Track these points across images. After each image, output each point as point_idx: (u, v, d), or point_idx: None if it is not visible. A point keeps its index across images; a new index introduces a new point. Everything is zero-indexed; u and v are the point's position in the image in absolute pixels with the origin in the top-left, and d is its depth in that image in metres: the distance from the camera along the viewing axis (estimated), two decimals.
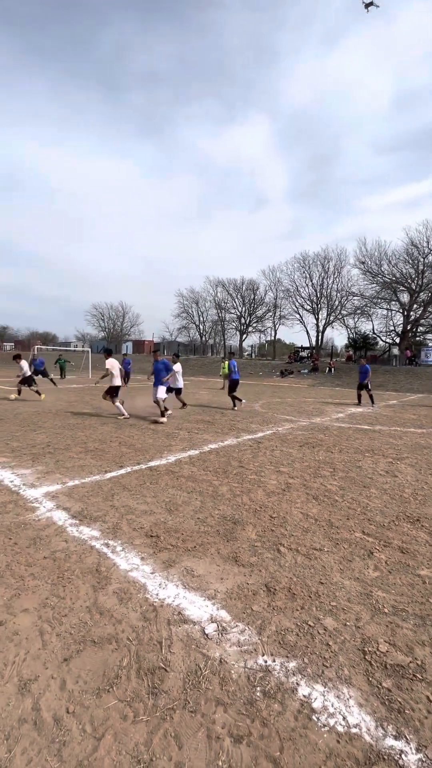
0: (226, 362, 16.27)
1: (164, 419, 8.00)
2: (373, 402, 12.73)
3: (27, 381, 11.62)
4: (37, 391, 11.72)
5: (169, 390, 8.84)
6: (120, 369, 8.82)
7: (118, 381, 8.58)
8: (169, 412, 8.61)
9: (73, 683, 1.59)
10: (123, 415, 8.36)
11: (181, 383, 10.10)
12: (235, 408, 10.62)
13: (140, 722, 1.43)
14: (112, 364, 8.62)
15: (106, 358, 8.72)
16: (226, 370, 16.03)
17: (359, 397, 13.00)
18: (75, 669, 1.66)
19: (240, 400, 10.86)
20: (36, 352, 21.93)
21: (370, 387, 12.64)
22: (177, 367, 9.69)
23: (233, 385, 10.84)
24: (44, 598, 2.14)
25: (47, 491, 3.80)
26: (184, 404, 10.35)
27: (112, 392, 8.54)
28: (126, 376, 14.17)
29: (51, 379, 16.16)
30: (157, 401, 8.24)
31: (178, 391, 10.01)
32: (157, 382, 8.43)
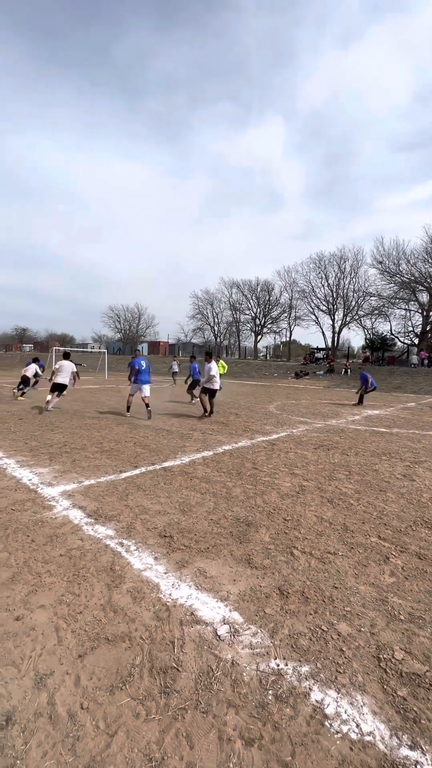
0: (222, 362, 16.40)
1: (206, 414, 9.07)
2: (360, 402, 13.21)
3: (25, 382, 12.21)
4: (22, 393, 12.01)
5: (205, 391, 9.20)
6: (73, 372, 9.82)
7: (59, 379, 9.56)
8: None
9: (87, 679, 1.62)
10: (50, 408, 9.22)
11: (217, 384, 9.24)
12: (192, 402, 11.68)
13: (152, 721, 1.44)
14: (62, 364, 9.72)
15: (63, 360, 9.91)
16: (222, 371, 16.20)
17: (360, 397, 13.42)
18: (89, 665, 1.69)
19: (193, 398, 11.87)
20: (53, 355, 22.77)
21: (366, 390, 13.28)
22: (213, 367, 9.26)
23: (192, 385, 12.14)
24: (60, 594, 2.18)
25: (64, 490, 3.87)
26: (194, 398, 11.61)
27: (56, 389, 9.50)
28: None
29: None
30: (201, 399, 9.13)
31: (212, 393, 8.87)
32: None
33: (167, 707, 1.50)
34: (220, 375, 16.33)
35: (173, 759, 1.31)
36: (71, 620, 1.97)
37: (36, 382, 13.06)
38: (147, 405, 8.60)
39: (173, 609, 2.08)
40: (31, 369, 12.47)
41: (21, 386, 12.01)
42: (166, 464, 4.92)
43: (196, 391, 11.05)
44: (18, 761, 1.29)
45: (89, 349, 45.52)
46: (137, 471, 4.59)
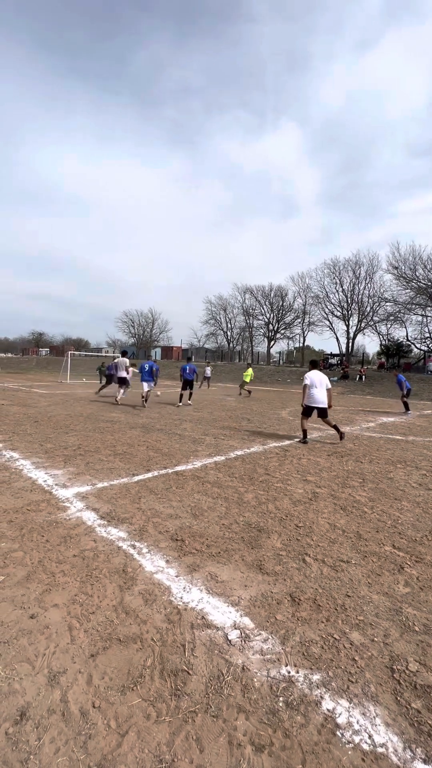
0: (250, 369, 16.54)
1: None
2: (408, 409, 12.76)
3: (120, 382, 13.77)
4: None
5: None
6: (126, 366, 12.44)
7: (121, 374, 12.15)
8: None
9: (99, 679, 1.64)
10: (118, 400, 11.74)
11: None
12: (180, 404, 12.13)
13: (163, 722, 1.45)
14: (118, 362, 12.55)
15: (120, 357, 12.67)
16: (247, 379, 16.35)
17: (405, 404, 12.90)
18: (101, 665, 1.71)
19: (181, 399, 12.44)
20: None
21: (404, 395, 12.81)
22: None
23: (185, 384, 12.46)
24: (73, 594, 2.21)
25: (78, 492, 3.93)
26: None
27: (121, 382, 12.18)
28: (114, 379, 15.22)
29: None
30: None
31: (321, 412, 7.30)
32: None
33: (178, 710, 1.51)
34: (246, 383, 16.38)
35: (183, 761, 1.31)
36: (84, 620, 2.00)
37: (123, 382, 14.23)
38: (144, 398, 11.36)
39: (184, 612, 2.09)
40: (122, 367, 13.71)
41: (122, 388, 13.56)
42: (178, 468, 4.95)
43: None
44: (32, 756, 1.31)
45: (104, 354, 46.15)
46: (150, 474, 4.62)
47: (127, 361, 12.51)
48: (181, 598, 2.21)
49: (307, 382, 7.16)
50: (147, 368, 11.46)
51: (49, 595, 2.21)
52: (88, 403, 12.15)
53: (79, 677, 1.64)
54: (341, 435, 7.27)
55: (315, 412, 7.13)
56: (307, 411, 7.15)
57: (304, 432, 7.19)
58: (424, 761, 1.33)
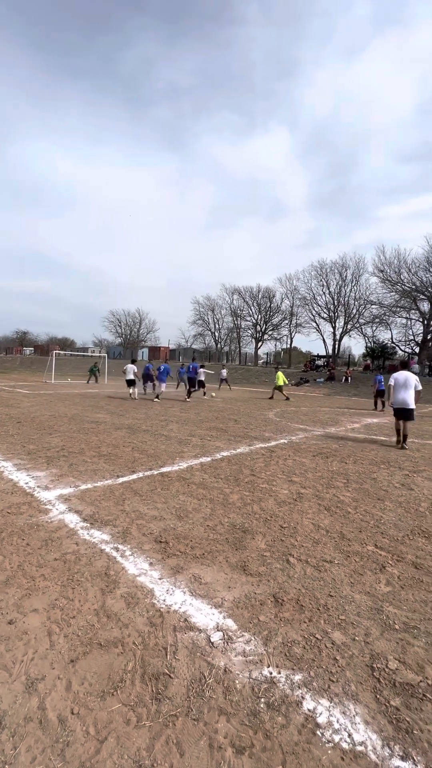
0: (280, 373, 16.90)
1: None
2: (384, 407, 14.16)
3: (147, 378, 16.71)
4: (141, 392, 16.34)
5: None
6: (134, 371, 14.39)
7: (129, 377, 14.12)
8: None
9: (79, 685, 1.61)
10: (136, 397, 14.10)
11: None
12: (188, 400, 14.10)
13: (143, 727, 1.43)
14: (127, 367, 14.35)
15: (129, 364, 14.51)
16: (280, 382, 16.64)
17: (375, 403, 14.81)
18: (81, 671, 1.68)
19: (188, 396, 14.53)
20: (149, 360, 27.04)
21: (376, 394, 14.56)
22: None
23: (191, 383, 14.75)
24: (54, 599, 2.17)
25: (60, 494, 3.86)
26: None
27: (130, 384, 14.24)
28: (149, 379, 17.29)
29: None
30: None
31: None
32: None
33: (158, 714, 1.49)
34: (279, 386, 17.15)
35: (163, 766, 1.30)
36: (64, 625, 1.96)
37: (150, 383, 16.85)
38: (157, 395, 14.09)
39: (167, 615, 2.07)
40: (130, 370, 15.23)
41: (145, 386, 16.77)
42: (163, 469, 4.92)
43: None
44: (7, 766, 1.28)
45: (89, 353, 45.60)
46: (134, 476, 4.58)
47: (134, 367, 14.58)
48: (164, 600, 2.19)
49: (390, 382, 7.26)
50: (162, 369, 14.09)
51: (29, 599, 2.16)
52: (73, 403, 11.98)
53: (58, 683, 1.61)
54: (401, 444, 7.18)
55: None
56: (397, 413, 7.20)
57: (398, 433, 7.22)
58: (402, 758, 1.35)
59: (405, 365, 7.76)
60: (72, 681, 1.62)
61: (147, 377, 16.74)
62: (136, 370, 14.52)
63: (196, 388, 14.87)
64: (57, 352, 30.86)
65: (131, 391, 14.19)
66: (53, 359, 25.38)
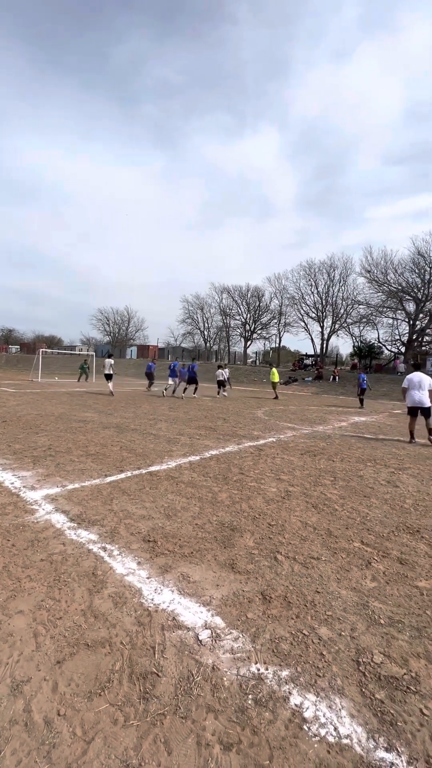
0: (275, 370, 17.19)
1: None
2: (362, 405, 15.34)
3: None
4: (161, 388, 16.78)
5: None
6: (111, 364, 15.42)
7: (107, 371, 15.13)
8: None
9: (65, 686, 1.59)
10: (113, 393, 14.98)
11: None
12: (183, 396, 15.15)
13: (130, 727, 1.43)
14: (105, 362, 15.32)
15: (107, 358, 15.49)
16: (276, 378, 16.89)
17: (361, 401, 15.56)
18: (68, 672, 1.67)
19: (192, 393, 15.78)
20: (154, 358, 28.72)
21: (359, 393, 15.30)
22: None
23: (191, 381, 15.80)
24: (40, 600, 2.15)
25: (47, 494, 3.82)
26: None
27: (108, 378, 15.22)
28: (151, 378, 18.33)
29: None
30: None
31: None
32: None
33: (146, 713, 1.49)
34: (274, 383, 17.57)
35: (150, 765, 1.29)
36: (50, 626, 1.94)
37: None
38: (165, 389, 15.83)
39: (155, 614, 2.07)
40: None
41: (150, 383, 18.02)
42: (152, 468, 4.90)
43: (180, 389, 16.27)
44: None
45: (77, 352, 45.03)
46: (122, 475, 4.55)
47: (112, 360, 15.59)
48: (152, 599, 2.19)
49: (405, 384, 7.62)
50: (172, 367, 15.91)
51: (14, 601, 2.13)
52: (60, 402, 11.83)
53: (44, 685, 1.59)
54: (413, 439, 7.65)
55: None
56: (410, 412, 7.55)
57: (411, 433, 7.62)
58: (386, 749, 1.38)
59: (418, 366, 8.09)
60: (58, 682, 1.61)
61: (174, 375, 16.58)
62: (112, 363, 15.45)
63: (196, 386, 15.96)
64: (44, 350, 30.38)
65: (110, 387, 15.17)
66: (40, 357, 25.00)
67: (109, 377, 15.28)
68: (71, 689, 1.58)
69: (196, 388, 15.79)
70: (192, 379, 15.66)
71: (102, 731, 1.41)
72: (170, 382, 15.79)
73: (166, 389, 15.83)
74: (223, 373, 17.30)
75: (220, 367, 18.04)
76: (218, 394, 16.83)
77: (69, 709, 1.49)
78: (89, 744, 1.36)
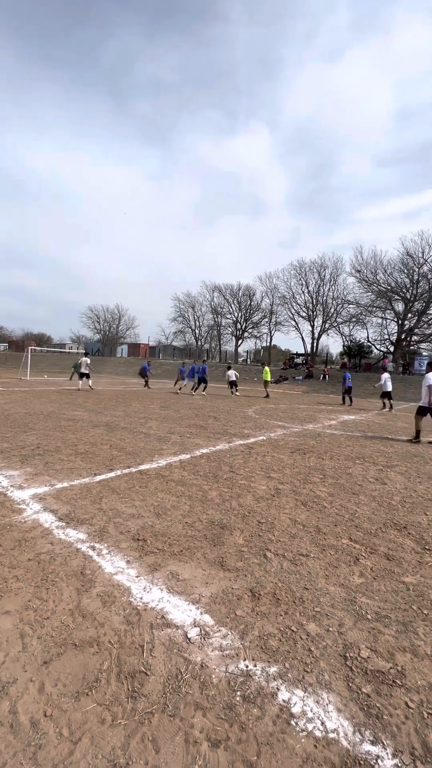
0: (267, 368, 17.44)
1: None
2: (351, 402, 16.08)
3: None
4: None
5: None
6: (87, 363, 16.15)
7: (83, 370, 16.09)
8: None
9: (52, 686, 1.58)
10: (85, 388, 15.88)
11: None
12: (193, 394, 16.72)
13: (118, 726, 1.42)
14: (83, 360, 16.16)
15: (84, 357, 16.37)
16: (268, 377, 17.09)
17: (343, 398, 16.16)
18: (54, 672, 1.65)
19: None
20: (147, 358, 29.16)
21: (344, 391, 15.90)
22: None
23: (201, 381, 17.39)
24: (27, 600, 2.12)
25: (35, 493, 3.77)
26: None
27: (82, 376, 16.10)
28: (145, 376, 19.58)
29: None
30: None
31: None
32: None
33: (134, 712, 1.48)
34: (266, 382, 17.82)
35: (138, 764, 1.29)
36: (38, 626, 1.92)
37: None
38: (183, 388, 17.90)
39: (144, 613, 2.06)
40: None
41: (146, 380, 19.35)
42: (142, 467, 4.87)
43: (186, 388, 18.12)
44: None
45: (67, 350, 44.52)
46: (112, 474, 4.52)
47: (88, 359, 16.45)
48: (141, 598, 2.18)
49: (427, 382, 7.47)
50: (193, 369, 17.79)
51: (0, 601, 2.10)
52: (50, 401, 11.70)
53: (30, 686, 1.57)
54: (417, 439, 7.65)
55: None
56: (421, 411, 7.53)
57: (417, 432, 7.59)
58: (372, 742, 1.39)
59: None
60: (45, 683, 1.59)
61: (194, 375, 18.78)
62: (89, 362, 16.32)
63: (205, 385, 17.59)
64: (33, 348, 29.99)
65: (82, 384, 16.14)
66: (29, 355, 24.67)
67: (84, 375, 16.18)
68: (58, 689, 1.57)
69: (205, 387, 17.43)
70: (202, 379, 17.26)
71: (89, 731, 1.40)
72: (185, 381, 17.92)
73: (194, 389, 17.66)
74: (235, 374, 18.01)
75: (229, 368, 19.05)
76: (232, 393, 17.82)
77: (56, 710, 1.47)
78: (76, 744, 1.35)
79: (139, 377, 19.58)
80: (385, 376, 14.07)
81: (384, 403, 14.24)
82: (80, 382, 16.30)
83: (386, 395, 14.07)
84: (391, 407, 14.12)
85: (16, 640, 1.82)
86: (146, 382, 19.46)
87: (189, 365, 19.21)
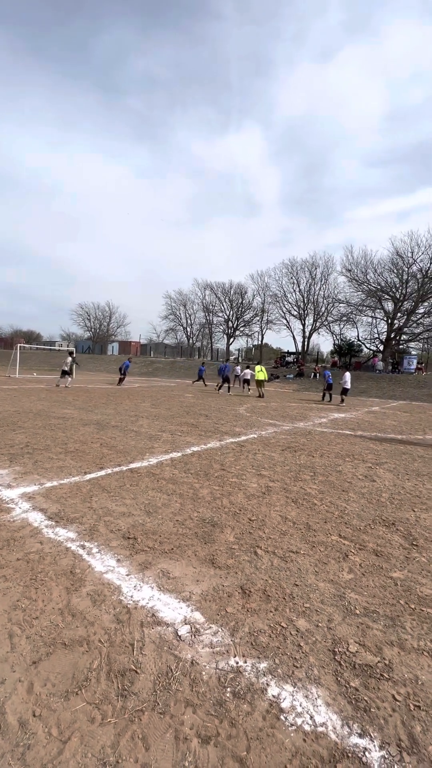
0: (259, 366, 17.55)
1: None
2: (330, 399, 16.89)
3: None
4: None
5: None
6: (67, 361, 16.54)
7: (65, 368, 16.42)
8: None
9: (41, 686, 1.57)
10: (67, 386, 16.29)
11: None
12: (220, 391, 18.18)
13: (108, 724, 1.42)
14: (67, 360, 16.64)
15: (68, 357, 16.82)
16: (262, 376, 17.23)
17: (323, 395, 17.12)
18: (44, 672, 1.64)
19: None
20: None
21: (325, 388, 16.83)
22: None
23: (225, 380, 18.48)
24: (15, 600, 2.10)
25: (24, 492, 3.73)
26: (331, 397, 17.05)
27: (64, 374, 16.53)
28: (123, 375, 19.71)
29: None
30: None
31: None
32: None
33: (124, 710, 1.48)
34: (260, 381, 17.76)
35: (128, 761, 1.29)
36: (26, 626, 1.90)
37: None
38: (218, 386, 19.07)
39: (134, 611, 2.05)
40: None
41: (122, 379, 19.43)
42: (132, 465, 4.85)
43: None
44: None
45: (57, 347, 43.96)
46: (102, 472, 4.49)
47: (69, 358, 16.88)
48: (132, 596, 2.17)
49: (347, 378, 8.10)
50: (222, 368, 18.77)
51: None
52: (39, 399, 11.56)
53: (19, 686, 1.56)
54: None
55: None
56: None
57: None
58: (360, 735, 1.42)
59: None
60: (34, 683, 1.58)
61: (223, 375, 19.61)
62: (69, 361, 16.78)
63: (230, 384, 18.75)
64: (22, 345, 29.56)
65: (60, 381, 16.75)
66: (18, 352, 24.33)
67: (66, 373, 16.58)
68: (47, 689, 1.55)
69: (229, 387, 18.57)
70: (225, 378, 18.54)
71: (78, 730, 1.39)
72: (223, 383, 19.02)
73: (229, 389, 18.69)
74: (251, 373, 18.71)
75: (248, 367, 20.14)
76: (245, 390, 18.77)
77: (45, 710, 1.46)
78: (65, 744, 1.34)
79: (120, 374, 19.88)
80: (348, 375, 16.02)
81: (342, 399, 16.03)
82: (61, 379, 16.73)
83: (344, 391, 15.92)
84: (342, 401, 16.02)
85: (4, 641, 1.80)
86: (120, 380, 19.68)
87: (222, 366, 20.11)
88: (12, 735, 1.36)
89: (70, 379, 16.70)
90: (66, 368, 16.49)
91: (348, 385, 15.88)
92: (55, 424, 7.31)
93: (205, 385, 22.39)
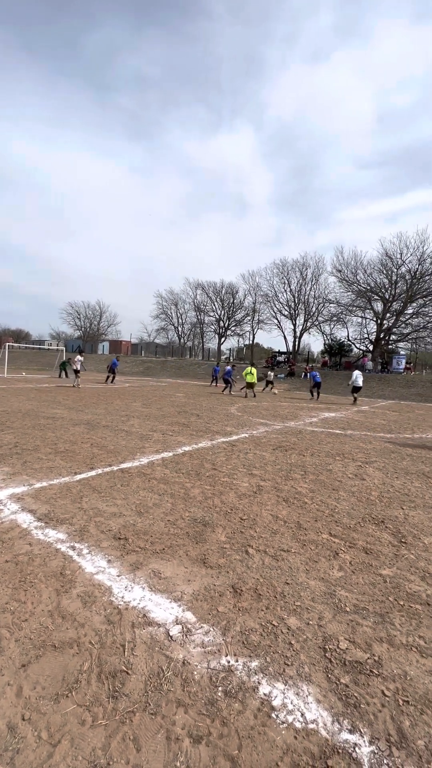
0: (250, 368, 17.56)
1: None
2: (318, 397, 17.60)
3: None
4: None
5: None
6: (73, 359, 16.71)
7: (77, 366, 16.64)
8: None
9: (31, 689, 1.55)
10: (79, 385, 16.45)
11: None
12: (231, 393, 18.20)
13: (98, 726, 1.41)
14: (78, 358, 16.71)
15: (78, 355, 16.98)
16: (254, 378, 17.28)
17: (311, 393, 17.66)
18: (33, 675, 1.62)
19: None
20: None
21: (312, 386, 17.42)
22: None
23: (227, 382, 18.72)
24: (4, 603, 2.07)
25: (12, 493, 3.68)
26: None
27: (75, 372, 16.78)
28: (113, 373, 19.99)
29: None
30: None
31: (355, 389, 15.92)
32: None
33: (115, 711, 1.47)
34: (249, 383, 17.94)
35: (119, 763, 1.28)
36: (15, 629, 1.88)
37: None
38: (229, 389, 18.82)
39: (125, 612, 2.04)
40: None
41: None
42: (123, 465, 4.82)
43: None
44: None
45: (46, 347, 43.44)
46: (93, 473, 4.46)
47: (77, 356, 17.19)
48: (123, 597, 2.16)
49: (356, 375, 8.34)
50: (225, 371, 19.41)
51: None
52: (28, 398, 11.41)
53: (8, 690, 1.54)
54: None
55: None
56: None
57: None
58: (350, 731, 1.43)
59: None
60: (23, 686, 1.56)
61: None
62: (78, 359, 17.16)
63: (231, 387, 18.95)
64: (10, 344, 29.15)
65: (76, 381, 16.85)
66: (6, 351, 23.99)
67: (77, 372, 17.12)
68: (37, 692, 1.54)
69: (231, 388, 18.81)
70: (227, 381, 18.97)
71: (69, 733, 1.38)
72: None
73: (230, 391, 18.88)
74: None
75: (252, 364, 20.33)
76: (247, 394, 18.78)
77: (34, 713, 1.45)
78: (55, 747, 1.32)
79: (108, 372, 20.15)
80: (357, 373, 15.98)
81: (354, 398, 16.22)
82: (76, 379, 16.91)
83: (355, 390, 15.93)
84: (355, 400, 16.20)
85: None
86: (107, 378, 19.96)
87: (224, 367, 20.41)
88: (1, 740, 1.34)
89: (78, 379, 16.93)
90: (77, 367, 16.67)
91: (359, 383, 15.74)
92: (45, 424, 7.23)
93: (217, 385, 22.48)
